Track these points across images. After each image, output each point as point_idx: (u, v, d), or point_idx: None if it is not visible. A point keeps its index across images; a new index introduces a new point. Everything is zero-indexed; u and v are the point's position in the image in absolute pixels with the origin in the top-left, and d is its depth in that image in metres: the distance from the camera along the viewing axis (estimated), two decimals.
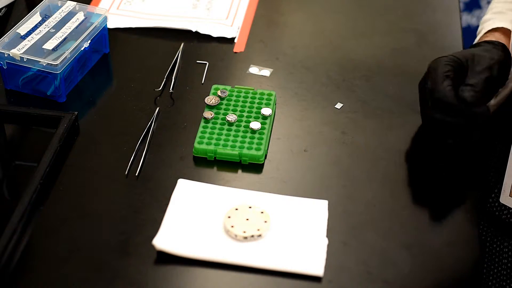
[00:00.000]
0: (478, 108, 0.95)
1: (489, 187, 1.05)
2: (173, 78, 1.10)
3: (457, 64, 0.97)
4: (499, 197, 0.95)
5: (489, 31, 1.10)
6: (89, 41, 1.08)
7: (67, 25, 1.09)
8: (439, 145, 0.99)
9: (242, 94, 1.06)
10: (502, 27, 1.08)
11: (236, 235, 0.87)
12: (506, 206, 0.99)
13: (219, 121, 1.02)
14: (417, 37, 1.23)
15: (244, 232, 0.87)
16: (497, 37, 1.07)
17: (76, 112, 1.02)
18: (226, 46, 1.19)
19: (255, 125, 1.01)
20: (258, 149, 0.98)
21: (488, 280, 1.04)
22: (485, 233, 1.06)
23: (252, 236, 0.87)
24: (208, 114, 1.02)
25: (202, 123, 1.01)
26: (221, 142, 0.99)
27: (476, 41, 1.12)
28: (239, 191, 0.94)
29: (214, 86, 1.07)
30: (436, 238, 0.91)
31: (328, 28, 1.25)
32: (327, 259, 0.86)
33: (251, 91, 1.06)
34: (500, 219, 1.03)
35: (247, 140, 0.99)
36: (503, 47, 1.02)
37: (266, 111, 1.03)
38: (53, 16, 1.11)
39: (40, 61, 1.02)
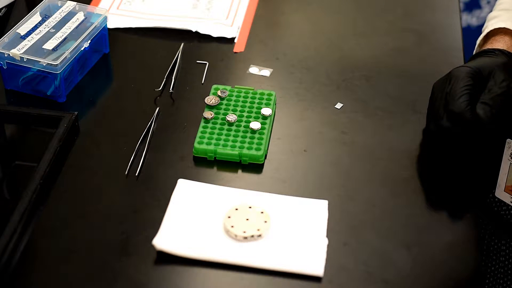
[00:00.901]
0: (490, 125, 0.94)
1: (489, 183, 1.05)
2: (173, 78, 1.10)
3: (478, 77, 0.96)
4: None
5: (497, 33, 1.09)
6: (89, 41, 1.08)
7: (67, 25, 1.09)
8: (441, 147, 0.99)
9: (242, 94, 1.06)
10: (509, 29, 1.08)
11: (236, 235, 0.87)
12: (504, 202, 0.99)
13: (219, 121, 1.02)
14: (417, 37, 1.23)
15: (244, 232, 0.87)
16: (507, 42, 1.06)
17: (76, 112, 1.02)
18: (226, 46, 1.19)
19: (255, 125, 1.01)
20: (258, 149, 0.98)
21: (485, 278, 1.04)
22: (483, 231, 1.06)
23: (252, 236, 0.87)
24: (208, 114, 1.02)
25: (202, 123, 1.01)
26: (221, 142, 0.99)
27: (481, 37, 1.11)
28: (239, 191, 0.94)
29: (214, 86, 1.07)
30: (436, 238, 0.91)
31: (328, 28, 1.25)
32: (327, 259, 0.86)
33: (251, 91, 1.06)
34: (498, 215, 1.03)
35: (247, 140, 0.99)
36: None
37: (266, 111, 1.03)
38: (53, 16, 1.11)
39: (40, 61, 1.02)
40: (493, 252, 1.06)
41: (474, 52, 1.12)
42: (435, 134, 0.98)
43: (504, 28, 1.09)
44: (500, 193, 0.95)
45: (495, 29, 1.10)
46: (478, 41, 1.13)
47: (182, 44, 1.17)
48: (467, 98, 0.94)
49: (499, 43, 1.06)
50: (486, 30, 1.11)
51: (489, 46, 1.07)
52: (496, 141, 0.95)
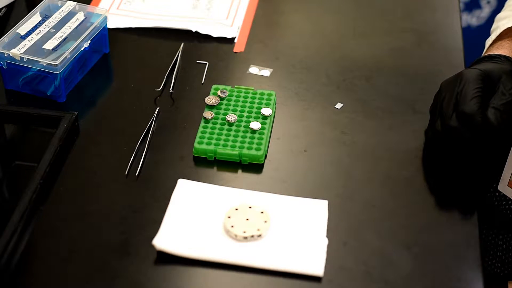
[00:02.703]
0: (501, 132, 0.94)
1: (490, 177, 1.04)
2: (173, 78, 1.10)
3: (487, 81, 0.96)
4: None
5: (505, 37, 1.08)
6: (89, 41, 1.08)
7: (67, 25, 1.09)
8: (441, 147, 0.99)
9: (242, 94, 1.06)
10: None
11: (236, 235, 0.87)
12: (505, 197, 0.99)
13: (219, 121, 1.02)
14: (417, 37, 1.23)
15: (244, 232, 0.87)
16: None
17: (76, 112, 1.02)
18: (226, 46, 1.19)
19: (255, 125, 1.01)
20: (258, 149, 0.98)
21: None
22: (480, 225, 1.05)
23: (252, 236, 0.87)
24: (208, 114, 1.02)
25: (202, 123, 1.01)
26: (221, 142, 0.99)
27: (493, 38, 1.11)
28: (239, 191, 0.94)
29: (214, 86, 1.07)
30: (436, 238, 0.91)
31: (328, 28, 1.25)
32: (327, 259, 0.86)
33: (251, 91, 1.06)
34: (498, 210, 1.03)
35: (247, 140, 0.99)
36: None
37: (266, 111, 1.03)
38: (53, 16, 1.11)
39: (40, 61, 1.02)
40: (490, 247, 1.06)
41: (484, 52, 1.11)
42: (439, 134, 0.97)
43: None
44: (504, 188, 0.95)
45: (503, 31, 1.10)
46: (489, 41, 1.12)
47: (182, 44, 1.17)
48: (479, 100, 0.94)
49: (506, 49, 1.06)
50: (498, 30, 1.10)
51: (495, 50, 1.07)
52: (501, 144, 0.95)
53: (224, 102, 1.05)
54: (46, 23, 1.09)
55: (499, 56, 1.01)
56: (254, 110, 1.04)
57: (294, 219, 0.90)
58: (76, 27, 1.09)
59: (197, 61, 1.15)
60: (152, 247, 0.86)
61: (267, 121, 1.02)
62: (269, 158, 0.99)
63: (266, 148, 0.99)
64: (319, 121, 1.05)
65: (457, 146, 0.96)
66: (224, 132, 1.00)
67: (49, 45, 1.06)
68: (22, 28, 1.08)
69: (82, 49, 1.07)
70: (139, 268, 0.85)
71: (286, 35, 1.24)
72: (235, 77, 1.13)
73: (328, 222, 0.90)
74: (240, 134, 1.00)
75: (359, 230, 0.91)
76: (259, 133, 1.00)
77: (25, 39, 1.06)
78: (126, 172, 0.96)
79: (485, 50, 1.12)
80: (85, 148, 1.00)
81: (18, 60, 1.03)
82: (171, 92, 1.09)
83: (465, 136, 0.94)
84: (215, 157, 0.98)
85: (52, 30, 1.08)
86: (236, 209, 0.90)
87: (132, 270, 0.85)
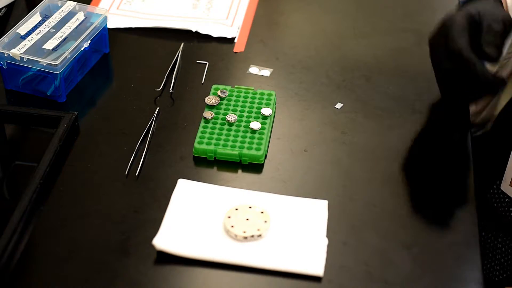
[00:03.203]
0: (497, 77, 0.94)
1: (491, 178, 1.04)
2: (173, 78, 1.11)
3: (472, 20, 0.96)
4: (500, 185, 0.96)
5: None
6: (89, 41, 1.08)
7: (67, 25, 1.09)
8: (448, 101, 0.98)
9: (242, 94, 1.06)
10: None
11: (236, 235, 0.87)
12: (505, 198, 0.99)
13: (219, 121, 1.02)
14: (417, 37, 1.23)
15: (244, 232, 0.87)
16: None
17: (76, 112, 1.02)
18: (226, 46, 1.19)
19: (255, 125, 1.01)
20: (258, 149, 0.98)
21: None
22: (480, 227, 1.06)
23: (252, 236, 0.87)
24: (208, 114, 1.02)
25: (202, 123, 1.01)
26: (221, 142, 0.99)
27: None
28: (239, 191, 0.94)
29: (214, 86, 1.07)
30: (436, 238, 0.91)
31: (328, 28, 1.25)
32: (327, 259, 0.86)
33: (251, 91, 1.06)
34: (497, 211, 1.03)
35: (247, 140, 0.99)
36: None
37: (266, 111, 1.03)
38: (53, 16, 1.11)
39: (40, 61, 1.02)
40: (489, 250, 1.06)
41: None
42: (440, 83, 0.96)
43: None
44: (506, 187, 0.95)
45: None
46: None
47: (182, 44, 1.17)
48: (466, 38, 0.94)
49: None
50: None
51: None
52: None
53: (224, 102, 1.05)
54: (46, 23, 1.09)
55: None
56: (254, 110, 1.04)
57: (294, 219, 0.90)
58: (76, 27, 1.09)
59: (197, 61, 1.15)
60: (152, 247, 0.86)
61: (267, 121, 1.02)
62: (269, 158, 0.99)
63: (266, 148, 0.99)
64: (319, 121, 1.05)
65: (453, 93, 0.97)
66: (224, 132, 1.00)
67: (49, 45, 1.06)
68: (22, 28, 1.08)
69: (82, 49, 1.07)
70: (139, 268, 0.85)
71: (286, 35, 1.24)
72: (235, 77, 1.13)
73: (328, 222, 0.90)
74: (240, 134, 1.00)
75: (359, 230, 0.91)
76: (259, 133, 1.00)
77: (25, 39, 1.06)
78: (126, 172, 0.96)
79: None
80: (85, 148, 1.00)
81: (18, 60, 1.03)
82: (171, 92, 1.09)
83: (460, 77, 0.94)
84: (215, 157, 0.98)
85: (52, 30, 1.08)
86: (236, 209, 0.90)
87: (132, 270, 0.85)
